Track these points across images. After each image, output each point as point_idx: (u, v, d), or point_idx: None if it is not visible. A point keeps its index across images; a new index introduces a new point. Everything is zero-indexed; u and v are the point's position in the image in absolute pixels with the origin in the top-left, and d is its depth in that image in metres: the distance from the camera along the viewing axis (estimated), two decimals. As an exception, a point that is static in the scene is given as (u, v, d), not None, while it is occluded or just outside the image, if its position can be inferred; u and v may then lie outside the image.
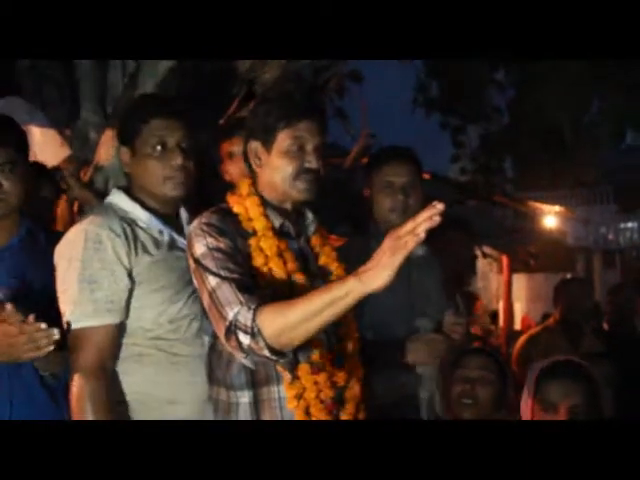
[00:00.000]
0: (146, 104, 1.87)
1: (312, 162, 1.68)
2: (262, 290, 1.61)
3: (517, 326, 5.51)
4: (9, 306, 1.58)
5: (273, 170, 1.71)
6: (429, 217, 1.33)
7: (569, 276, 4.19)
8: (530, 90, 5.04)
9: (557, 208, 7.69)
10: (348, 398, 1.68)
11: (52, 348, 1.58)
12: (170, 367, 1.74)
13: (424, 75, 5.26)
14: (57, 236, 1.82)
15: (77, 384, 1.65)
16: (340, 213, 3.43)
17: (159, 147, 1.77)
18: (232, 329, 1.52)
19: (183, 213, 1.91)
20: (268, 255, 1.67)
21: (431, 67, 5.24)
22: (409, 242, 1.35)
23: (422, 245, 2.33)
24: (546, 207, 7.33)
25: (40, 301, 1.70)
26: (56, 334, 1.55)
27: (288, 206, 1.75)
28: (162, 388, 1.75)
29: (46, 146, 2.45)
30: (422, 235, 1.34)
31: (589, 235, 10.81)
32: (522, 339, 3.54)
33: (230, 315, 1.53)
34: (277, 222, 1.73)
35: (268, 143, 1.71)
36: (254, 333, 1.49)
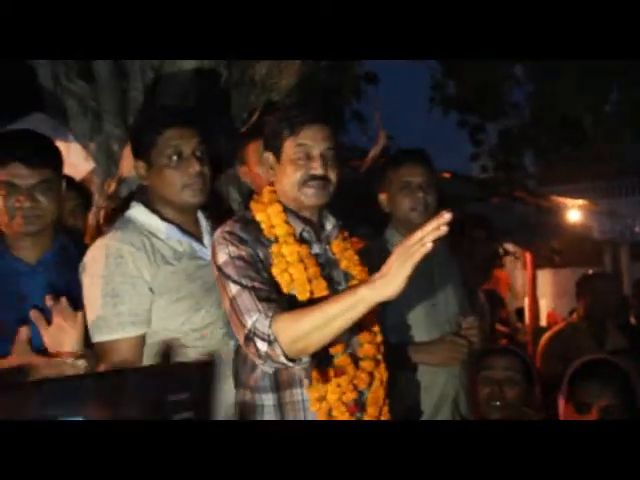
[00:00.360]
0: (158, 116, 1.92)
1: (318, 168, 1.72)
2: (281, 298, 1.65)
3: (543, 322, 5.46)
4: (63, 300, 1.66)
5: (284, 178, 1.75)
6: (437, 227, 1.36)
7: (591, 271, 4.11)
8: (548, 84, 5.01)
9: (580, 202, 7.59)
10: (370, 401, 1.70)
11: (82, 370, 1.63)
12: (197, 373, 1.78)
13: (440, 74, 5.25)
14: (84, 250, 1.87)
15: None
16: (360, 214, 3.45)
17: (175, 157, 1.82)
18: (250, 336, 1.57)
19: (202, 220, 1.95)
20: (289, 261, 1.71)
21: (447, 66, 5.22)
22: (417, 252, 1.39)
23: (443, 247, 2.36)
24: (569, 201, 7.24)
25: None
26: (81, 366, 1.60)
27: (307, 212, 1.78)
28: (190, 394, 1.79)
29: (71, 160, 2.51)
30: (429, 245, 1.37)
31: (615, 228, 10.65)
32: (546, 336, 3.53)
33: (249, 323, 1.58)
34: (298, 228, 1.76)
35: (278, 153, 1.76)
36: (271, 340, 1.54)
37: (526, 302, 5.38)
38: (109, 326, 1.72)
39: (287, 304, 1.64)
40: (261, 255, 1.70)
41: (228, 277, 1.65)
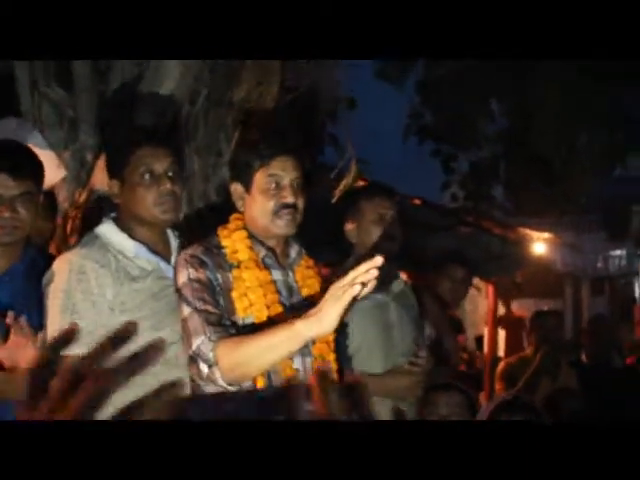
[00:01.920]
0: (132, 135, 1.95)
1: (288, 197, 1.78)
2: (236, 323, 1.71)
3: (501, 352, 5.58)
4: (23, 319, 1.68)
5: (254, 208, 1.81)
6: (367, 270, 1.43)
7: (545, 308, 4.28)
8: (521, 121, 5.15)
9: (545, 234, 7.76)
10: None
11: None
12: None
13: (418, 103, 5.36)
14: (51, 261, 1.88)
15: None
16: (327, 238, 3.50)
17: (147, 175, 1.85)
18: (194, 357, 1.65)
19: (172, 240, 1.98)
20: (249, 286, 1.76)
21: (425, 95, 5.34)
22: (347, 293, 1.45)
23: (400, 280, 2.42)
24: (535, 233, 7.39)
25: (36, 328, 1.76)
26: None
27: (273, 240, 1.83)
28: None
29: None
30: (358, 287, 1.44)
31: (578, 262, 10.89)
32: (500, 367, 3.65)
33: (194, 344, 1.65)
34: (261, 254, 1.81)
35: (248, 184, 1.82)
36: (211, 364, 1.61)
37: (486, 332, 5.49)
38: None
39: (242, 329, 1.69)
40: (221, 279, 1.75)
41: (184, 298, 1.72)
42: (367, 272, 1.44)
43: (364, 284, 1.44)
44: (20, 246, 1.88)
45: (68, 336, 0.66)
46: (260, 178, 1.80)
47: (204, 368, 1.62)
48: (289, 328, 1.55)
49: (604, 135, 4.98)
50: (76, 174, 2.57)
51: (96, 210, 2.40)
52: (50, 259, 1.93)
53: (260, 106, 2.59)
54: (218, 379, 1.61)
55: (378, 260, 1.44)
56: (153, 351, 0.61)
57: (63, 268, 1.79)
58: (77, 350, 1.85)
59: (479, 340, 6.96)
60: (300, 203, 1.82)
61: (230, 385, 1.62)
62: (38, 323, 1.79)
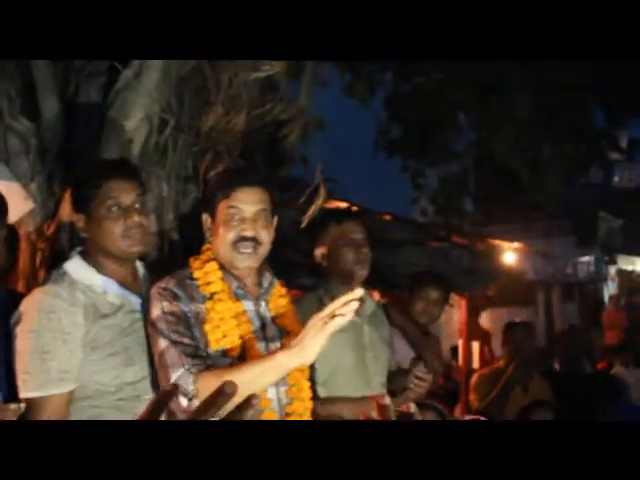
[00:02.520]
0: (97, 169, 1.94)
1: (248, 230, 1.78)
2: (210, 355, 1.71)
3: (475, 364, 5.64)
4: None
5: (218, 240, 1.83)
6: (347, 302, 1.45)
7: (517, 320, 4.34)
8: (486, 134, 5.24)
9: (515, 244, 7.88)
10: None
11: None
12: (129, 427, 1.79)
13: (386, 119, 5.42)
14: (19, 299, 1.86)
15: None
16: (300, 262, 3.51)
17: (115, 208, 1.84)
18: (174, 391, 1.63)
19: (141, 270, 1.98)
20: (222, 318, 1.76)
21: (392, 110, 5.40)
22: (328, 324, 1.47)
23: (372, 302, 2.44)
24: (505, 244, 7.51)
25: (1, 367, 1.74)
26: (22, 409, 1.58)
27: (243, 271, 1.84)
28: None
29: (9, 200, 2.47)
30: (340, 320, 1.46)
31: (548, 269, 11.07)
32: (474, 379, 3.69)
33: (173, 378, 1.64)
34: (233, 285, 1.81)
35: (213, 215, 1.83)
36: (191, 397, 1.60)
37: (460, 344, 5.55)
38: (37, 382, 1.72)
39: (217, 361, 1.69)
40: (194, 311, 1.75)
41: (159, 332, 1.71)
42: (348, 304, 1.45)
43: (343, 315, 1.46)
44: None
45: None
46: (222, 209, 1.81)
47: (184, 402, 1.60)
48: (270, 360, 1.56)
49: (569, 147, 5.08)
50: (44, 205, 2.55)
51: (65, 242, 2.38)
52: (11, 294, 1.91)
53: (228, 133, 2.60)
54: None
55: (359, 292, 1.46)
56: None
57: (32, 307, 1.77)
58: (53, 390, 1.81)
59: (454, 351, 7.02)
60: (264, 236, 1.81)
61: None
62: (6, 362, 1.77)
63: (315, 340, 1.48)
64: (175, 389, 0.60)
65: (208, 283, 1.81)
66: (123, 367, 1.80)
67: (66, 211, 2.40)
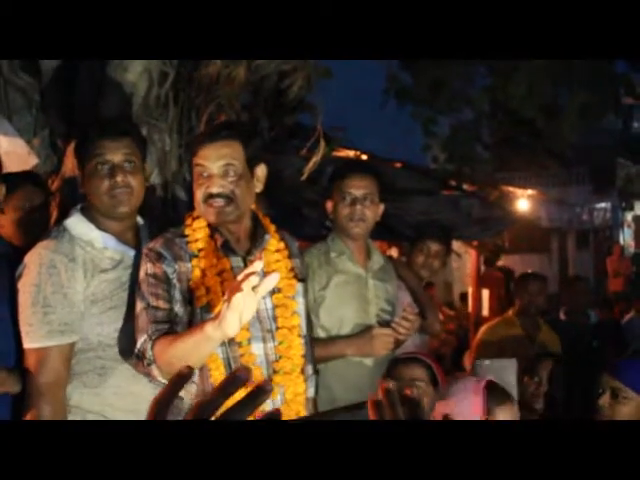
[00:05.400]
0: (92, 127, 1.94)
1: (212, 187, 1.76)
2: (180, 318, 1.72)
3: (485, 312, 5.68)
4: None
5: (194, 197, 1.82)
6: (245, 276, 1.41)
7: (530, 271, 4.31)
8: (499, 83, 5.12)
9: (529, 191, 7.80)
10: (285, 413, 1.77)
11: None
12: (132, 379, 1.84)
13: (396, 67, 5.30)
14: (24, 255, 1.89)
15: (34, 403, 1.75)
16: (307, 214, 3.51)
17: (100, 167, 1.85)
18: (139, 355, 1.69)
19: (143, 230, 1.99)
20: (206, 275, 1.77)
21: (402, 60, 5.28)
22: (235, 299, 1.41)
23: (379, 256, 2.44)
24: (518, 191, 7.43)
25: (7, 324, 1.79)
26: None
27: (232, 226, 1.83)
28: (125, 400, 1.85)
29: (13, 155, 2.49)
30: (237, 296, 1.41)
31: (563, 216, 10.97)
32: (482, 329, 3.68)
33: (138, 343, 1.69)
34: (219, 241, 1.81)
35: (191, 173, 1.84)
36: (150, 362, 1.65)
37: (470, 292, 5.57)
38: (38, 334, 1.77)
39: (203, 317, 1.70)
40: (179, 271, 1.76)
41: (140, 294, 1.75)
42: (247, 278, 1.41)
43: (241, 290, 1.40)
44: None
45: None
46: (194, 166, 1.81)
47: (144, 366, 1.67)
48: (200, 332, 1.54)
49: (584, 93, 4.95)
50: (47, 160, 2.56)
51: (70, 197, 2.39)
52: (19, 251, 1.94)
53: (229, 85, 2.57)
54: (157, 376, 1.65)
55: (258, 265, 1.43)
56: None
57: (34, 262, 1.80)
58: (54, 341, 1.87)
59: (463, 297, 7.06)
60: (236, 191, 1.77)
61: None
62: (9, 313, 1.82)
63: (230, 314, 1.43)
64: (191, 372, 0.61)
65: (196, 240, 1.82)
66: (121, 321, 1.84)
67: (69, 166, 2.41)
